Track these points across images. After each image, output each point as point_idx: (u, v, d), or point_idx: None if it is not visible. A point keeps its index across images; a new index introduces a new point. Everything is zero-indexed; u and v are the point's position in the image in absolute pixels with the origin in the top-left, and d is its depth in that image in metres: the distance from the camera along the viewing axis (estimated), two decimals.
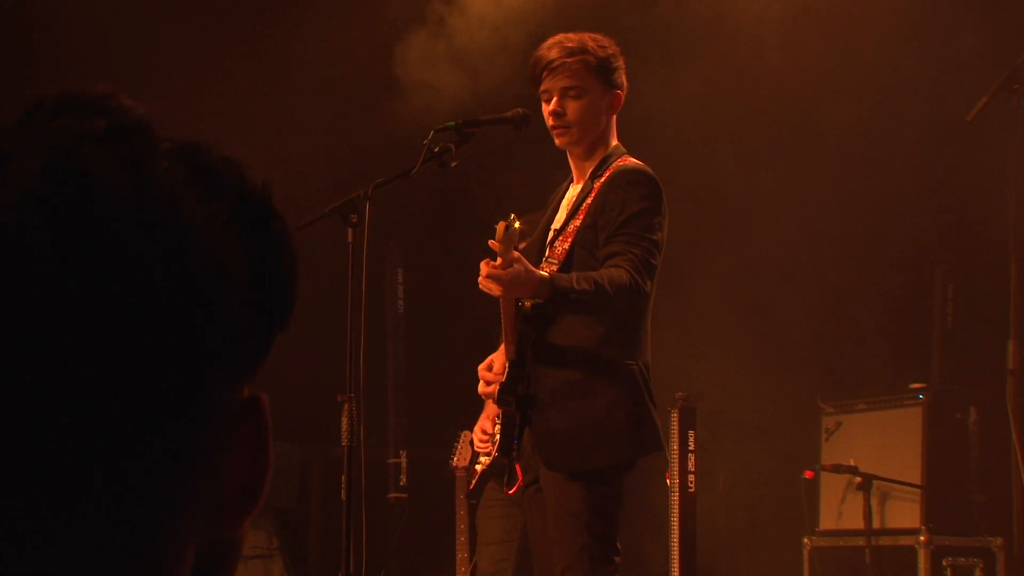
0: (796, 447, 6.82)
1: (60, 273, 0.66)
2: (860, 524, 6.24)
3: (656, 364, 4.08)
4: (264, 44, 6.69)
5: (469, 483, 6.05)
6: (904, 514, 6.24)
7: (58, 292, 0.66)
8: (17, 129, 0.71)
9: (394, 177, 4.22)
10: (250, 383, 0.75)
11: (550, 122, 4.11)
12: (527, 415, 4.02)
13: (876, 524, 6.26)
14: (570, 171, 4.26)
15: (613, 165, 4.11)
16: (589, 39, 4.13)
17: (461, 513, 6.06)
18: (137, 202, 0.68)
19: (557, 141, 4.15)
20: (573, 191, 4.22)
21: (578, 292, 3.77)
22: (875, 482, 6.24)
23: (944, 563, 6.10)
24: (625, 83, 4.19)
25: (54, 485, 0.67)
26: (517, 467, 4.25)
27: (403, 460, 7.00)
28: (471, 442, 6.13)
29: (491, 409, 5.89)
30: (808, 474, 6.52)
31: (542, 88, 4.13)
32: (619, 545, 3.97)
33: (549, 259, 4.09)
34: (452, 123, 4.20)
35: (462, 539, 6.10)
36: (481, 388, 5.70)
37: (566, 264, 4.03)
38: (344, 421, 4.05)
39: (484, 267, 3.74)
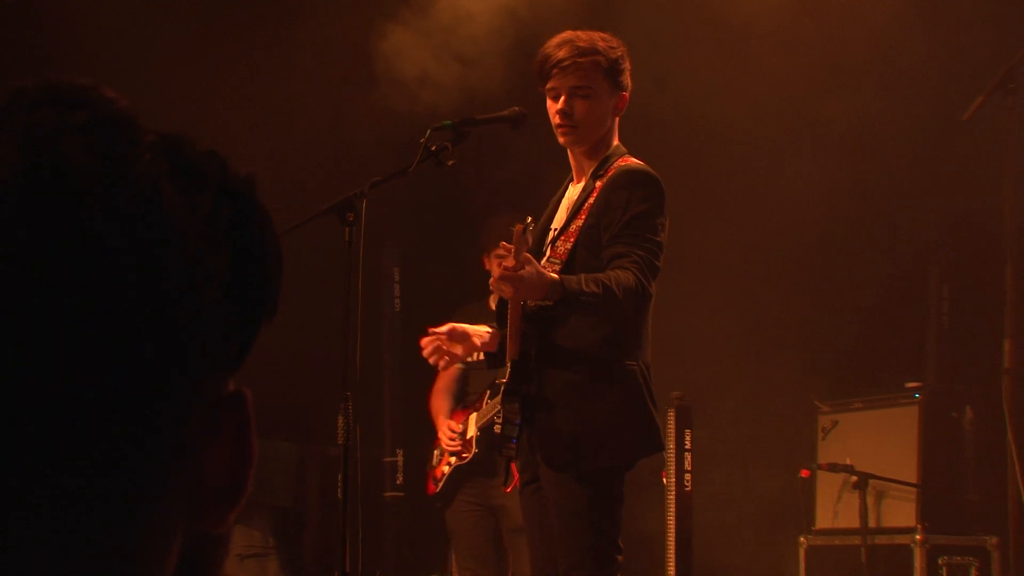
0: (792, 446, 6.82)
1: (32, 265, 0.66)
2: (856, 523, 6.25)
3: (653, 363, 4.09)
4: (257, 41, 6.68)
5: (436, 484, 6.02)
6: (900, 513, 6.25)
7: (29, 284, 0.65)
8: None
9: (390, 176, 4.22)
10: (234, 376, 0.75)
11: (556, 120, 4.11)
12: (529, 415, 4.02)
13: (872, 523, 6.26)
14: (569, 170, 4.26)
15: (615, 165, 4.11)
16: (599, 39, 4.13)
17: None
18: (113, 195, 0.68)
19: (561, 139, 4.14)
20: (574, 191, 4.22)
21: (587, 295, 3.79)
22: (871, 481, 6.24)
23: (940, 562, 6.11)
24: (630, 84, 4.20)
25: (29, 480, 0.66)
26: (513, 466, 4.26)
27: (399, 459, 7.00)
28: (436, 450, 6.12)
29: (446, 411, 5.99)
30: (804, 473, 6.52)
31: (549, 85, 4.13)
32: (621, 543, 3.98)
33: (551, 259, 4.09)
34: (448, 122, 4.19)
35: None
36: (447, 442, 5.85)
37: (568, 264, 4.03)
38: (340, 420, 4.04)
39: (496, 269, 3.77)
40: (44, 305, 0.66)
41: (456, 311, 6.17)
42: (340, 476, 4.04)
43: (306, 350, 6.62)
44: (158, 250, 0.69)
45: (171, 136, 0.74)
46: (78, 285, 0.66)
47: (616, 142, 4.19)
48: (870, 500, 6.26)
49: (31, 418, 0.66)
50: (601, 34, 4.17)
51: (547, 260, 4.09)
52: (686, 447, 5.62)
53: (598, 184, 4.09)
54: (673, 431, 5.55)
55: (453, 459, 5.96)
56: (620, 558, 3.98)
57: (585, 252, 4.03)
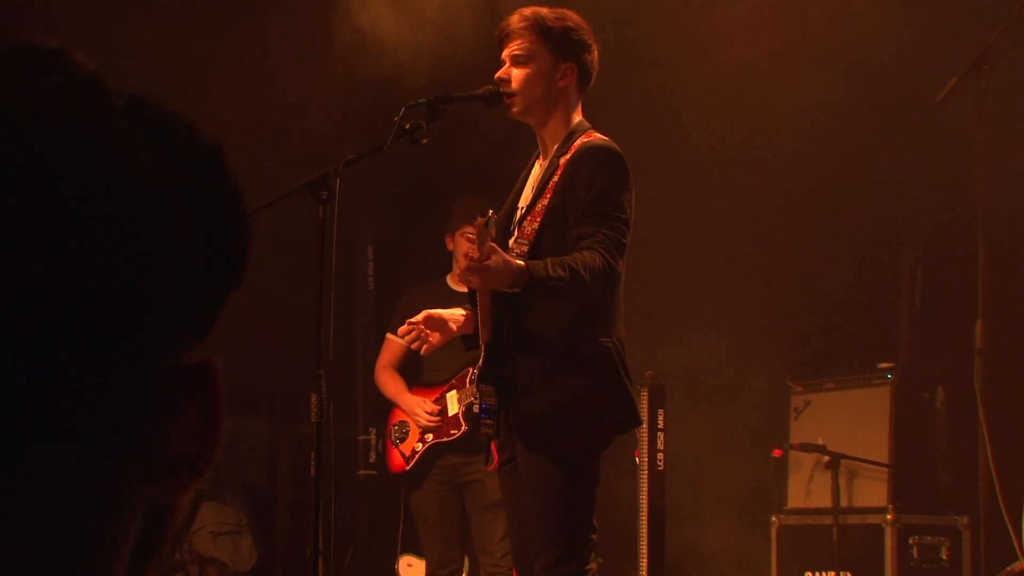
0: (765, 426, 6.84)
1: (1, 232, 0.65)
2: (828, 502, 6.28)
3: (626, 342, 4.09)
4: (229, 13, 6.63)
5: (406, 462, 6.04)
6: (871, 493, 6.28)
7: None
8: None
9: (365, 154, 4.20)
10: (202, 345, 0.74)
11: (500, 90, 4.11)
12: (505, 397, 4.01)
13: (844, 502, 6.30)
14: (538, 148, 4.26)
15: (577, 142, 4.09)
16: (547, 10, 4.12)
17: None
18: (89, 161, 0.67)
19: (506, 112, 4.14)
20: (539, 168, 4.21)
21: (554, 280, 3.77)
22: (843, 461, 6.27)
23: (910, 541, 6.15)
24: (588, 60, 4.16)
25: None
26: (492, 446, 4.26)
27: (372, 437, 6.99)
28: (395, 426, 6.13)
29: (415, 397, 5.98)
30: (776, 452, 6.55)
31: (501, 56, 4.14)
32: (595, 523, 3.99)
33: (519, 239, 4.07)
34: (423, 100, 4.17)
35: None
36: (425, 421, 5.83)
37: (536, 244, 4.02)
38: (313, 398, 4.03)
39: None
40: (10, 272, 0.64)
41: (402, 294, 6.20)
42: (313, 454, 4.03)
43: (279, 328, 6.61)
44: (132, 217, 0.68)
45: (138, 99, 0.73)
46: (48, 250, 0.65)
47: (579, 118, 4.17)
48: (842, 480, 6.29)
49: None
50: (560, 9, 4.15)
51: (515, 241, 4.08)
52: (659, 427, 5.63)
53: (562, 161, 4.07)
54: (646, 410, 5.56)
55: (430, 436, 5.96)
56: (594, 537, 3.99)
57: (551, 232, 4.02)
